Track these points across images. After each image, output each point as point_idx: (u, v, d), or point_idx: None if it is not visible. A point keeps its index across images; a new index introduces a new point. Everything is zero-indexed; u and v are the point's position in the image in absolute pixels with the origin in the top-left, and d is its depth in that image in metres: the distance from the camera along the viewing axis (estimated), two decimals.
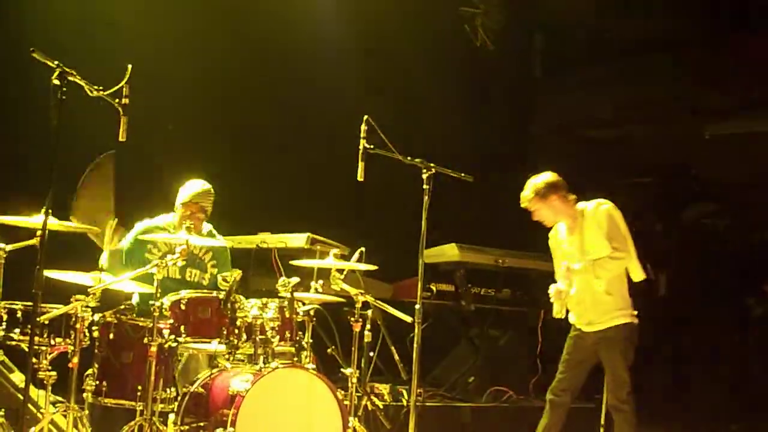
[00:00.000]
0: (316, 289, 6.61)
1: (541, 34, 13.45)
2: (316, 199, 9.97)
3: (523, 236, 8.75)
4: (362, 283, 7.41)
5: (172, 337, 5.92)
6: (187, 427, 5.93)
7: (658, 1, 12.06)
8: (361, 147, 6.01)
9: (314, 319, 6.47)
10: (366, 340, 6.60)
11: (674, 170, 12.21)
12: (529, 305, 9.48)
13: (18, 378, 6.42)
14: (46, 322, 5.69)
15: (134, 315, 6.06)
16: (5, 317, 5.71)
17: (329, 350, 7.58)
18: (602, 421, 6.93)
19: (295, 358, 6.22)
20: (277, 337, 6.10)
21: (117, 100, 5.09)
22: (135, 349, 5.92)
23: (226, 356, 6.09)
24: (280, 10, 9.76)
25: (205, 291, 6.36)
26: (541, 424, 6.66)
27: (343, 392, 6.26)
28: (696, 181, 12.19)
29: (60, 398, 6.00)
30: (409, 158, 6.13)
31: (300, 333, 6.27)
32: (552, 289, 6.55)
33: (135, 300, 6.53)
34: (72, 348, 5.73)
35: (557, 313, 6.56)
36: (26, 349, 5.41)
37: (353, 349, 6.55)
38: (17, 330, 5.72)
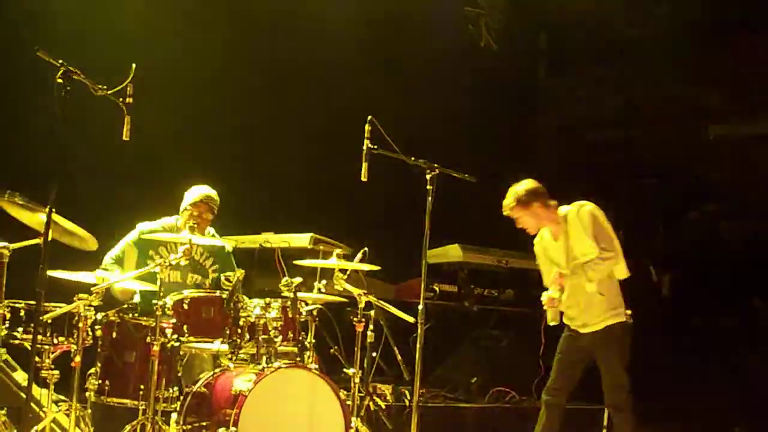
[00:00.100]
0: (319, 289, 6.61)
1: (544, 35, 13.45)
2: (320, 199, 9.96)
3: (525, 237, 8.74)
4: (365, 284, 7.41)
5: (175, 336, 5.92)
6: (189, 427, 5.92)
7: (661, 2, 12.06)
8: (364, 147, 6.01)
9: (317, 319, 6.48)
10: (369, 340, 6.60)
11: (677, 171, 12.19)
12: (531, 306, 9.44)
13: (21, 377, 6.42)
14: (49, 321, 5.71)
15: (137, 314, 6.06)
16: (8, 316, 5.72)
17: (332, 350, 7.58)
18: (605, 422, 6.93)
19: (298, 358, 6.21)
20: (280, 337, 6.10)
21: (121, 99, 5.09)
22: (138, 348, 5.92)
23: (229, 356, 6.09)
24: (286, 11, 9.76)
25: (208, 290, 6.36)
26: (539, 425, 6.65)
27: (345, 392, 6.26)
28: (699, 182, 12.17)
29: (63, 397, 6.01)
30: (412, 159, 6.13)
31: (303, 333, 6.27)
32: (544, 297, 6.55)
33: (137, 299, 6.53)
34: (75, 347, 5.74)
35: (551, 320, 6.56)
36: (29, 348, 5.43)
37: (356, 349, 6.55)
38: (20, 329, 5.75)
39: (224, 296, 6.05)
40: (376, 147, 6.02)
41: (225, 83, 9.44)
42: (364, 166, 6.00)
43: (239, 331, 6.03)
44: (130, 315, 6.02)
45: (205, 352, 6.40)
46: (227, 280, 6.54)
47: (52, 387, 5.79)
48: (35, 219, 5.69)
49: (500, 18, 12.10)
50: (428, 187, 6.06)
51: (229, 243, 7.17)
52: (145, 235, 6.59)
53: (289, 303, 6.16)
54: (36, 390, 6.08)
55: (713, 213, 12.04)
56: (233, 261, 7.05)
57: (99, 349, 5.95)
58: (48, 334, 5.74)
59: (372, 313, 6.62)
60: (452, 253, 9.30)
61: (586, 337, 6.56)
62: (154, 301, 5.80)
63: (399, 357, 8.50)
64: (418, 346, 6.03)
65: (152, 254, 6.67)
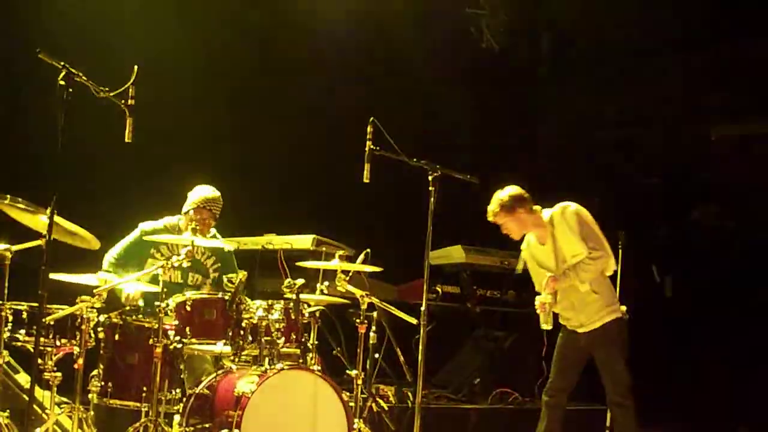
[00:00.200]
0: (321, 291, 6.62)
1: (546, 36, 13.44)
2: (322, 200, 9.97)
3: None
4: (367, 285, 7.40)
5: (178, 338, 5.92)
6: (192, 429, 5.92)
7: (663, 3, 12.05)
8: (367, 149, 6.01)
9: (319, 320, 6.47)
10: (371, 341, 6.60)
11: (680, 172, 12.19)
12: (534, 307, 9.46)
13: (23, 379, 6.43)
14: (52, 323, 5.71)
15: (140, 316, 6.06)
16: (11, 318, 5.72)
17: (334, 352, 7.58)
18: (608, 423, 6.92)
19: (301, 360, 6.21)
20: (283, 338, 6.10)
21: (123, 101, 5.10)
22: (140, 350, 5.92)
23: (232, 357, 6.09)
24: (287, 10, 9.76)
25: (211, 292, 6.35)
26: (540, 426, 6.65)
27: (348, 394, 6.26)
28: (701, 183, 12.16)
29: (65, 399, 6.02)
30: (414, 160, 6.12)
31: (305, 334, 6.26)
32: (537, 302, 6.55)
33: (140, 302, 6.53)
34: (77, 349, 5.74)
35: (544, 324, 6.55)
36: (32, 350, 5.42)
37: (358, 350, 6.54)
38: (23, 331, 5.74)
39: (227, 298, 6.05)
40: (378, 148, 6.01)
41: (227, 84, 9.45)
42: (367, 167, 6.00)
43: (242, 332, 6.03)
44: (133, 317, 6.02)
45: (207, 353, 6.40)
46: (230, 281, 6.55)
47: (54, 389, 5.79)
48: (37, 221, 5.69)
49: (502, 19, 12.10)
50: (430, 188, 6.06)
51: (231, 245, 7.16)
52: (147, 236, 6.58)
53: (291, 304, 6.16)
54: (39, 392, 6.07)
55: (715, 213, 12.03)
56: (234, 260, 7.04)
57: (101, 351, 5.95)
58: (50, 336, 5.74)
59: (374, 314, 6.62)
60: (455, 254, 9.30)
61: (584, 336, 6.57)
62: (157, 303, 5.80)
63: (401, 358, 8.51)
64: (420, 347, 6.02)
65: (153, 252, 6.66)
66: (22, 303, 5.74)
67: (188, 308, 5.99)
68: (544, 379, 8.64)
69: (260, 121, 9.73)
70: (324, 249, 7.77)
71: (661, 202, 12.09)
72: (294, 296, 6.14)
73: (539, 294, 6.53)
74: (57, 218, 5.19)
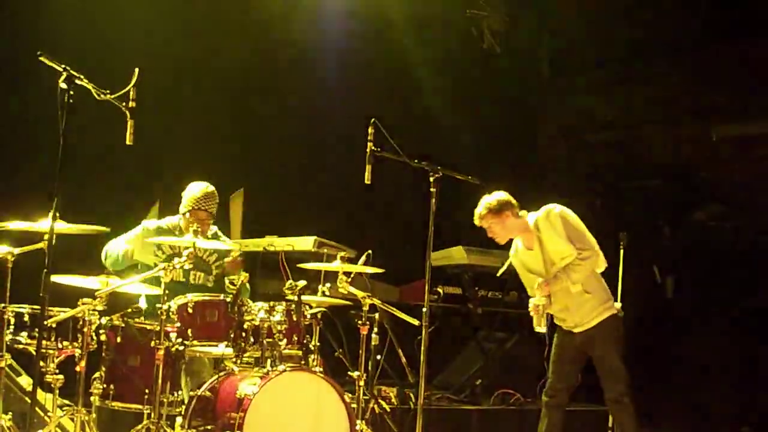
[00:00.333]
0: (323, 292, 6.62)
1: (547, 37, 13.44)
2: (323, 202, 9.97)
3: None
4: (369, 286, 7.40)
5: (180, 340, 5.92)
6: (194, 431, 5.92)
7: (664, 4, 12.05)
8: (368, 150, 6.00)
9: (321, 322, 6.47)
10: (373, 343, 6.60)
11: (681, 172, 12.18)
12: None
13: (25, 381, 6.43)
14: (54, 326, 5.71)
15: (142, 318, 6.06)
16: (13, 321, 5.72)
17: (336, 353, 7.58)
18: (610, 423, 6.92)
19: (303, 362, 6.21)
20: (285, 340, 6.09)
21: (124, 104, 5.10)
22: (142, 352, 5.92)
23: (234, 359, 6.09)
24: (289, 13, 9.77)
25: (213, 294, 6.35)
26: (541, 427, 6.68)
27: (350, 395, 6.25)
28: (703, 183, 12.16)
29: (67, 402, 6.03)
30: (416, 161, 6.12)
31: (307, 336, 6.26)
32: (530, 304, 6.57)
33: (143, 304, 6.53)
34: (79, 351, 5.74)
35: (538, 326, 6.57)
36: (34, 353, 5.43)
37: (360, 352, 6.55)
38: (25, 333, 5.74)
39: (228, 300, 6.05)
40: (379, 149, 6.02)
41: (229, 86, 9.45)
42: (368, 168, 6.00)
43: (244, 334, 6.03)
44: (135, 319, 6.02)
45: (209, 355, 6.40)
46: (231, 283, 6.54)
47: (56, 391, 5.79)
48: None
49: (503, 20, 12.10)
50: (432, 189, 6.06)
51: (232, 246, 7.15)
52: (149, 236, 6.57)
53: (293, 306, 6.16)
54: (41, 395, 6.07)
55: (717, 214, 12.03)
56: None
57: (103, 354, 5.95)
58: (52, 339, 5.74)
59: (376, 315, 6.62)
60: (456, 255, 9.29)
61: (580, 335, 6.59)
62: (158, 306, 5.80)
63: (403, 359, 8.51)
64: (422, 348, 6.02)
65: (155, 250, 6.66)
66: (24, 306, 5.74)
67: (190, 310, 5.99)
68: (545, 380, 8.66)
69: (261, 122, 9.74)
70: (325, 250, 7.77)
71: (663, 202, 12.08)
72: (296, 298, 6.14)
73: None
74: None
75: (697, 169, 12.21)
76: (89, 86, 4.99)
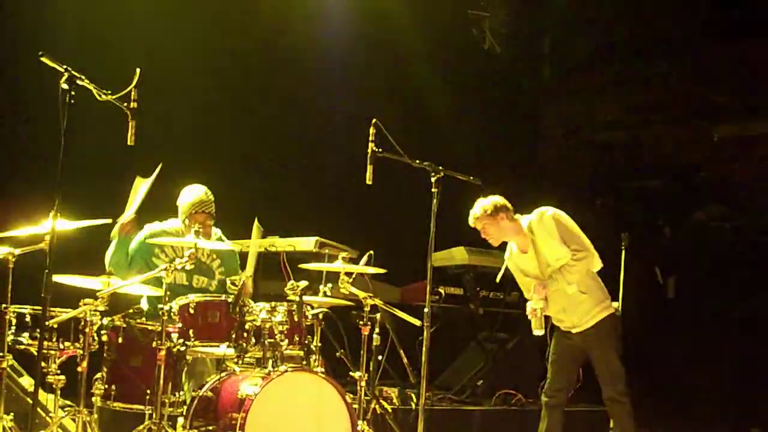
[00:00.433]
0: (324, 293, 6.61)
1: (548, 38, 13.45)
2: (325, 202, 9.97)
3: None
4: (371, 287, 7.39)
5: (181, 341, 5.91)
6: (195, 431, 5.92)
7: (664, 4, 12.07)
8: (369, 150, 6.00)
9: (323, 322, 6.47)
10: (375, 343, 6.59)
11: (682, 172, 12.19)
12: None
13: (27, 382, 6.43)
14: (55, 326, 5.70)
15: (143, 319, 6.06)
16: (14, 321, 5.72)
17: (338, 354, 7.57)
18: (611, 424, 6.92)
19: (304, 362, 6.20)
20: (286, 340, 6.08)
21: (125, 104, 5.10)
22: (144, 353, 5.91)
23: (235, 360, 6.08)
24: (290, 14, 9.77)
25: (214, 295, 6.35)
26: (541, 427, 6.70)
27: (352, 396, 6.24)
28: (704, 184, 12.16)
29: (69, 402, 6.02)
30: (417, 161, 6.12)
31: (309, 336, 6.26)
32: (528, 308, 6.58)
33: (144, 305, 6.53)
34: (81, 352, 5.73)
35: (536, 329, 6.58)
36: (35, 353, 5.42)
37: (362, 352, 6.55)
38: (26, 334, 5.75)
39: (230, 300, 6.05)
40: (380, 150, 6.02)
41: (229, 86, 9.44)
42: (369, 169, 6.00)
43: (245, 335, 6.02)
44: (136, 320, 6.02)
45: (210, 356, 6.39)
46: (233, 284, 6.54)
47: (58, 392, 5.80)
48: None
49: (504, 21, 12.11)
50: (433, 189, 6.06)
51: (233, 246, 7.15)
52: (150, 238, 6.57)
53: (294, 307, 6.16)
54: (42, 395, 6.07)
55: (718, 214, 12.03)
56: (238, 260, 7.02)
57: (105, 354, 5.94)
58: (54, 340, 5.74)
59: (378, 316, 6.62)
60: (458, 255, 9.29)
61: (578, 336, 6.63)
62: (160, 306, 5.79)
63: (405, 360, 8.49)
64: (424, 348, 6.02)
65: (158, 253, 6.65)
66: (26, 306, 5.75)
67: (191, 311, 5.99)
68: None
69: (262, 122, 9.74)
70: (327, 251, 7.77)
71: (663, 203, 12.08)
72: (297, 298, 6.14)
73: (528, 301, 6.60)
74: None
75: (697, 169, 12.22)
76: (90, 87, 4.98)
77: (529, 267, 6.64)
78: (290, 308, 6.16)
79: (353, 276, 6.62)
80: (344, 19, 10.12)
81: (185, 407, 5.96)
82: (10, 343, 5.71)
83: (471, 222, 6.63)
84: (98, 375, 5.90)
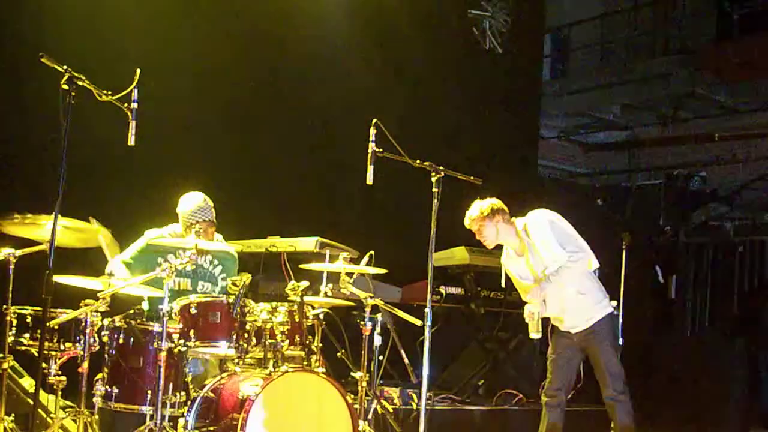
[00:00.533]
0: (325, 293, 6.61)
1: (549, 37, 13.47)
2: (326, 202, 9.98)
3: None
4: (372, 287, 7.40)
5: (182, 341, 5.91)
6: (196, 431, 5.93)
7: (666, 4, 12.08)
8: (370, 150, 6.00)
9: (324, 322, 6.47)
10: (376, 343, 6.59)
11: (684, 172, 12.20)
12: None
13: (28, 383, 6.43)
14: (56, 327, 5.71)
15: (144, 319, 6.06)
16: (15, 322, 5.73)
17: (339, 354, 7.57)
18: (613, 424, 6.92)
19: (305, 362, 6.20)
20: (287, 341, 6.09)
21: (126, 105, 5.10)
22: (145, 353, 5.91)
23: (236, 360, 6.08)
24: (289, 14, 9.77)
25: (215, 295, 6.35)
26: (542, 426, 6.72)
27: (353, 396, 6.25)
28: (705, 183, 12.18)
29: (70, 403, 6.02)
30: (418, 161, 6.12)
31: (310, 337, 6.25)
32: (526, 311, 6.59)
33: (145, 305, 6.52)
34: (82, 353, 5.73)
35: (533, 332, 6.59)
36: (36, 354, 5.43)
37: (363, 352, 6.54)
38: (27, 335, 5.75)
39: (231, 301, 6.05)
40: (381, 150, 6.01)
41: (230, 86, 9.44)
42: (370, 169, 5.99)
43: (246, 335, 6.02)
44: (137, 320, 6.01)
45: (211, 356, 6.40)
46: (234, 284, 6.53)
47: (59, 393, 5.80)
48: (39, 233, 5.74)
49: (504, 21, 12.11)
50: (434, 189, 6.06)
51: (234, 248, 7.15)
52: (153, 241, 6.57)
53: (295, 307, 6.16)
54: (43, 396, 6.08)
55: (720, 214, 12.05)
56: (236, 268, 7.02)
57: (106, 355, 5.94)
58: (55, 340, 5.74)
59: (379, 316, 6.62)
60: (458, 255, 9.29)
61: (577, 336, 6.65)
62: (160, 306, 5.79)
63: (406, 360, 8.50)
64: (425, 348, 6.02)
65: (161, 261, 6.64)
66: (27, 307, 5.75)
67: (192, 311, 5.98)
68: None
69: (263, 122, 9.73)
70: (328, 251, 7.74)
71: (664, 203, 12.10)
72: (298, 298, 6.14)
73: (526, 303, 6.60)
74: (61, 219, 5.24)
75: (699, 169, 12.23)
76: (91, 87, 4.99)
77: (525, 270, 6.66)
78: (291, 308, 6.16)
79: (354, 276, 6.62)
80: (344, 19, 10.11)
81: (186, 408, 5.95)
82: (10, 344, 5.71)
83: (467, 223, 6.65)
84: (99, 376, 5.90)
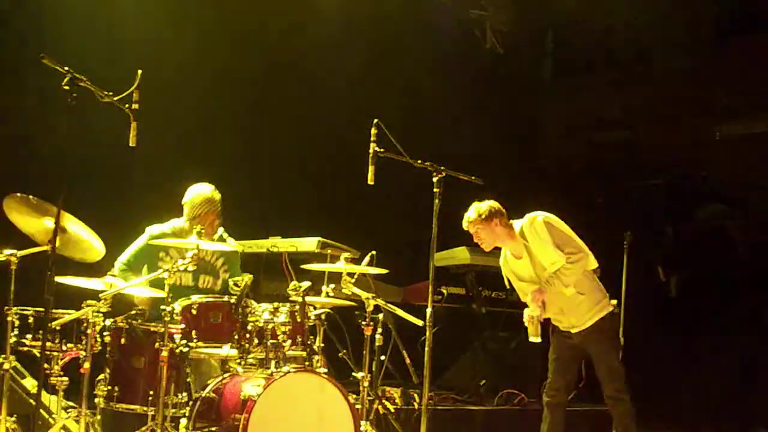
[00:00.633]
0: (327, 293, 6.61)
1: (550, 36, 13.45)
2: (327, 203, 9.97)
3: None
4: (373, 287, 7.40)
5: (184, 341, 5.91)
6: None
7: (667, 4, 12.06)
8: (371, 150, 6.00)
9: (325, 323, 6.46)
10: (377, 343, 6.59)
11: (684, 171, 12.19)
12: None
13: (30, 383, 6.43)
14: (58, 328, 5.71)
15: (145, 320, 6.06)
16: (17, 323, 5.72)
17: (340, 354, 7.57)
18: (614, 424, 6.92)
19: (307, 363, 6.20)
20: (289, 341, 6.08)
21: (127, 106, 5.10)
22: (146, 354, 5.91)
23: (238, 361, 6.09)
24: (289, 15, 9.77)
25: (217, 296, 6.35)
26: (543, 426, 6.72)
27: (354, 396, 6.25)
28: (706, 183, 12.16)
29: (72, 403, 6.01)
30: (419, 161, 6.12)
31: (311, 337, 6.25)
32: (525, 314, 6.58)
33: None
34: (83, 353, 5.74)
35: (533, 336, 6.58)
36: (38, 355, 5.43)
37: (364, 352, 6.54)
38: (29, 336, 5.75)
39: (232, 301, 6.05)
40: (382, 150, 6.01)
41: (230, 87, 9.45)
42: (371, 169, 5.99)
43: (248, 335, 6.02)
44: (139, 321, 6.01)
45: (213, 357, 6.40)
46: (235, 284, 6.54)
47: (61, 393, 5.80)
48: (41, 225, 5.73)
49: (505, 20, 12.12)
50: (435, 189, 6.06)
51: (236, 248, 7.15)
52: (154, 239, 6.56)
53: (297, 307, 6.16)
54: (45, 396, 6.08)
55: (720, 213, 12.03)
56: (238, 262, 7.02)
57: (108, 355, 5.94)
58: (57, 341, 5.74)
59: (380, 316, 6.62)
60: (460, 255, 9.29)
61: (577, 335, 6.64)
62: (162, 307, 5.79)
63: (408, 360, 8.50)
64: (426, 348, 6.02)
65: (163, 256, 6.64)
66: (29, 308, 5.75)
67: (194, 312, 5.99)
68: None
69: (264, 122, 9.74)
70: (329, 251, 7.76)
71: (666, 202, 12.09)
72: (300, 299, 6.13)
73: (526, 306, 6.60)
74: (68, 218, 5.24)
75: (699, 169, 12.22)
76: (92, 88, 4.99)
77: (524, 272, 6.64)
78: (293, 309, 6.16)
79: (355, 276, 6.62)
80: (344, 20, 10.11)
81: (188, 408, 5.96)
82: (12, 345, 5.71)
83: (465, 225, 6.62)
84: (101, 376, 5.90)
